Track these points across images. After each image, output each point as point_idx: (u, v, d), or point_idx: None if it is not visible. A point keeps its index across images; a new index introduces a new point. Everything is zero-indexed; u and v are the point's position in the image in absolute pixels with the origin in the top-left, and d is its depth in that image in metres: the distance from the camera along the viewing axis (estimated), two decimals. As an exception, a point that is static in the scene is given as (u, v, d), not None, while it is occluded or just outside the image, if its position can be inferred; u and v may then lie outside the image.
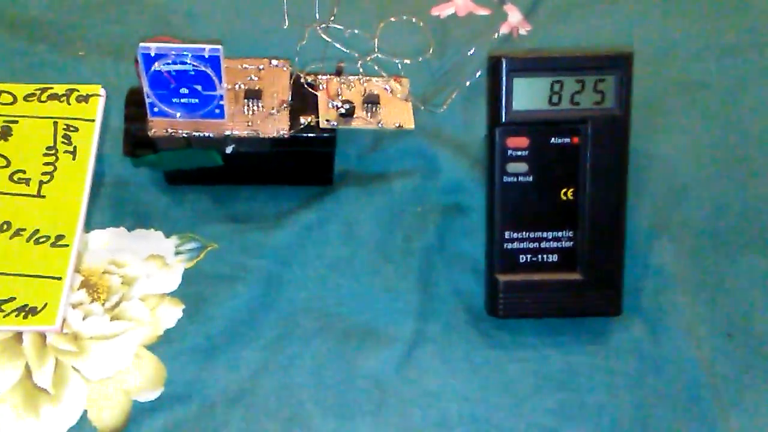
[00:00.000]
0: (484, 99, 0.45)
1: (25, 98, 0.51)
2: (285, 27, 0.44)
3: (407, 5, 0.56)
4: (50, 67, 0.53)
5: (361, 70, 0.46)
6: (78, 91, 0.52)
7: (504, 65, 0.43)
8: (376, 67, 0.46)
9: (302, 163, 0.49)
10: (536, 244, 0.45)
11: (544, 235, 0.45)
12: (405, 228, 0.48)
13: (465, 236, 0.48)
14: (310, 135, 0.46)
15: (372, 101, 0.47)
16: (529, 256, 0.45)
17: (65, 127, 0.50)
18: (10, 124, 0.50)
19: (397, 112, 0.47)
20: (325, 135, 0.46)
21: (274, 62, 0.48)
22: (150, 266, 0.47)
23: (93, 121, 0.51)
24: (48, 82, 0.52)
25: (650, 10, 0.59)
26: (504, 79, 0.43)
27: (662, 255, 0.48)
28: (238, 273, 0.46)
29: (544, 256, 0.45)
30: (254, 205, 0.49)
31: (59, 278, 0.45)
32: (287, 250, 0.47)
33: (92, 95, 0.52)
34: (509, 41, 0.51)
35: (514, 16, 0.52)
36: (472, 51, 0.48)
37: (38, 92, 0.51)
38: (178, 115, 0.44)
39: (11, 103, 0.51)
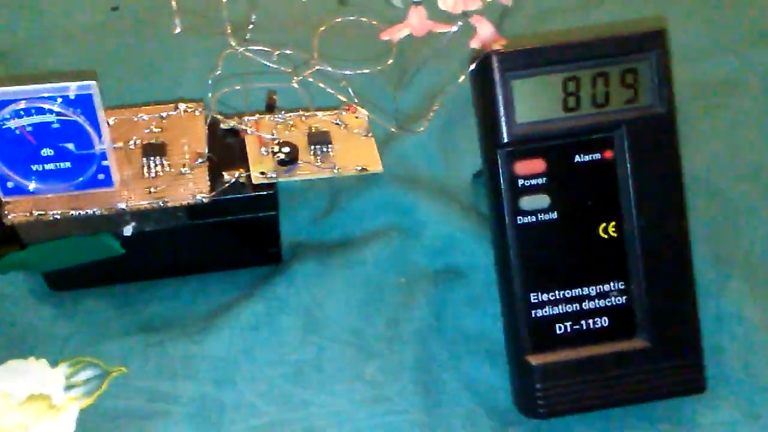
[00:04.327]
0: (466, 120, 0.37)
1: None
2: (176, 32, 0.32)
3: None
4: None
5: (297, 87, 0.33)
6: None
7: (496, 64, 0.34)
8: (322, 85, 0.33)
9: (235, 238, 0.40)
10: (576, 306, 0.35)
11: (586, 291, 0.35)
12: (388, 309, 0.39)
13: (469, 308, 0.40)
14: (240, 196, 0.37)
15: (320, 141, 0.38)
16: (568, 324, 0.35)
17: None
18: None
19: (357, 152, 0.38)
20: (262, 193, 0.37)
21: (182, 106, 0.39)
22: (27, 414, 0.35)
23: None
24: None
25: (630, 13, 0.54)
26: (498, 82, 0.34)
27: (737, 300, 0.39)
28: (159, 406, 0.36)
29: (590, 321, 0.35)
30: (175, 306, 0.39)
31: None
32: (227, 362, 0.37)
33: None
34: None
35: (484, 28, 0.40)
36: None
37: None
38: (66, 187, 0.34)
39: None
